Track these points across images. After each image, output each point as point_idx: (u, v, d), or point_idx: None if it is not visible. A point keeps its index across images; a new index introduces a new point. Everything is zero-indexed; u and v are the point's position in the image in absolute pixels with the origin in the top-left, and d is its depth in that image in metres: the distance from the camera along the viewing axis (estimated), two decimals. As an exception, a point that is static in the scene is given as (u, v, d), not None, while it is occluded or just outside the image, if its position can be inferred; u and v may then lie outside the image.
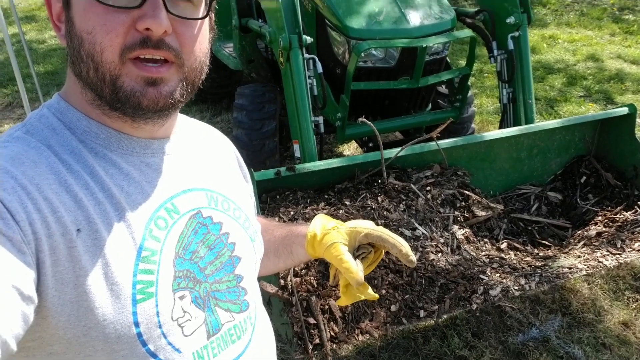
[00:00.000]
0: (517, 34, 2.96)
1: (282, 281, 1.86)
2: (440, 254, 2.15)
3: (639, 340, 2.32)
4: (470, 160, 2.64)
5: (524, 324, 2.39)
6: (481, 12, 3.13)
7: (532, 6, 4.57)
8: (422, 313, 1.95)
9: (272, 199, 2.26)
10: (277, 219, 2.08)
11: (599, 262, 2.20)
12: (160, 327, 0.68)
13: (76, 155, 0.69)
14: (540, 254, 2.42)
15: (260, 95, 3.20)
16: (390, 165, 2.39)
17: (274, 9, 2.63)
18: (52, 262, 0.61)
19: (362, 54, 2.68)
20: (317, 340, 1.78)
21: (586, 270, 2.16)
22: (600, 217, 2.58)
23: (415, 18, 2.79)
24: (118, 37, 0.64)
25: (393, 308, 1.93)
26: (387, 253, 1.00)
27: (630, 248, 2.27)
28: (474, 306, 1.97)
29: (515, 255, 2.41)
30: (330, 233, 0.92)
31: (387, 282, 1.99)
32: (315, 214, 1.04)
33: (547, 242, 2.53)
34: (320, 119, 2.65)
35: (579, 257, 2.27)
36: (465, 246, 2.29)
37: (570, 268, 2.17)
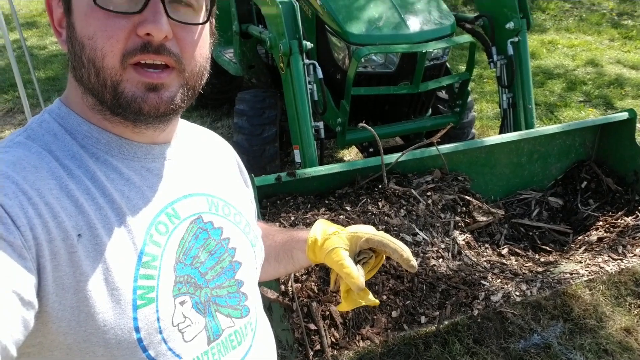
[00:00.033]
0: (516, 39, 2.97)
1: (282, 287, 1.86)
2: (441, 260, 2.14)
3: (641, 346, 2.31)
4: (470, 166, 2.64)
5: (525, 330, 2.38)
6: (480, 17, 3.14)
7: (531, 12, 4.58)
8: (423, 319, 1.94)
9: (272, 204, 2.26)
10: (277, 224, 2.08)
11: (601, 267, 2.19)
12: (160, 332, 0.68)
13: (77, 161, 0.69)
14: (542, 260, 2.41)
15: (260, 100, 3.20)
16: (390, 171, 2.39)
17: (274, 14, 2.64)
18: (53, 267, 0.61)
19: (362, 60, 2.68)
20: (318, 347, 1.77)
21: (587, 275, 2.15)
22: (601, 223, 2.58)
23: (415, 23, 2.80)
24: (119, 43, 0.64)
25: (394, 314, 1.93)
26: (387, 258, 1.00)
27: (632, 253, 2.26)
28: (475, 312, 1.96)
29: (516, 260, 2.40)
30: (331, 238, 0.92)
31: (388, 288, 1.98)
32: (316, 219, 1.04)
33: (548, 248, 2.53)
34: (321, 124, 2.65)
35: (580, 262, 2.26)
36: (466, 251, 2.28)
37: (571, 273, 2.16)
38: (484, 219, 2.49)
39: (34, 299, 0.58)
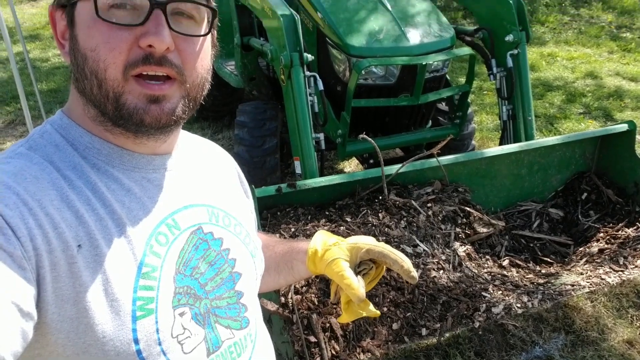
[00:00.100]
0: (516, 51, 2.99)
1: (282, 299, 1.85)
2: (441, 271, 2.14)
3: (643, 359, 2.29)
4: (471, 177, 2.64)
5: (527, 342, 2.36)
6: (480, 30, 3.16)
7: (530, 24, 4.62)
8: (424, 331, 1.93)
9: (273, 215, 2.26)
10: (277, 235, 2.08)
11: (602, 279, 2.18)
12: (160, 344, 0.68)
13: (78, 171, 0.69)
14: (543, 271, 2.41)
15: (261, 112, 3.22)
16: (391, 182, 2.39)
17: (275, 27, 2.66)
18: (53, 278, 0.61)
19: (363, 72, 2.70)
20: (318, 359, 1.76)
21: (589, 287, 2.14)
22: (602, 234, 2.57)
23: (415, 36, 2.82)
24: (121, 54, 0.65)
25: (395, 326, 1.92)
26: (388, 270, 0.99)
27: (633, 265, 2.26)
28: (477, 324, 1.95)
29: (517, 272, 2.40)
30: (332, 249, 0.92)
31: (388, 300, 1.97)
32: (316, 231, 1.04)
33: (549, 259, 2.52)
34: (321, 135, 2.66)
35: (582, 274, 2.26)
36: (467, 263, 2.28)
37: (572, 285, 2.15)
38: (485, 230, 2.48)
39: (33, 310, 0.58)
